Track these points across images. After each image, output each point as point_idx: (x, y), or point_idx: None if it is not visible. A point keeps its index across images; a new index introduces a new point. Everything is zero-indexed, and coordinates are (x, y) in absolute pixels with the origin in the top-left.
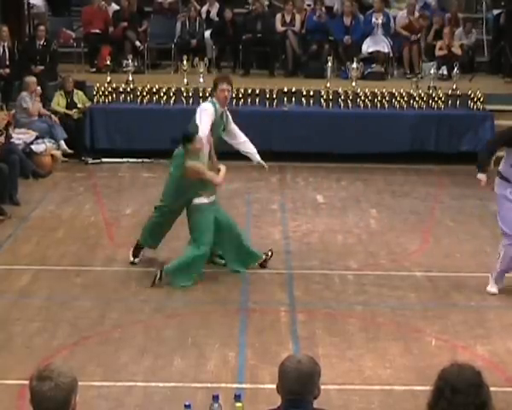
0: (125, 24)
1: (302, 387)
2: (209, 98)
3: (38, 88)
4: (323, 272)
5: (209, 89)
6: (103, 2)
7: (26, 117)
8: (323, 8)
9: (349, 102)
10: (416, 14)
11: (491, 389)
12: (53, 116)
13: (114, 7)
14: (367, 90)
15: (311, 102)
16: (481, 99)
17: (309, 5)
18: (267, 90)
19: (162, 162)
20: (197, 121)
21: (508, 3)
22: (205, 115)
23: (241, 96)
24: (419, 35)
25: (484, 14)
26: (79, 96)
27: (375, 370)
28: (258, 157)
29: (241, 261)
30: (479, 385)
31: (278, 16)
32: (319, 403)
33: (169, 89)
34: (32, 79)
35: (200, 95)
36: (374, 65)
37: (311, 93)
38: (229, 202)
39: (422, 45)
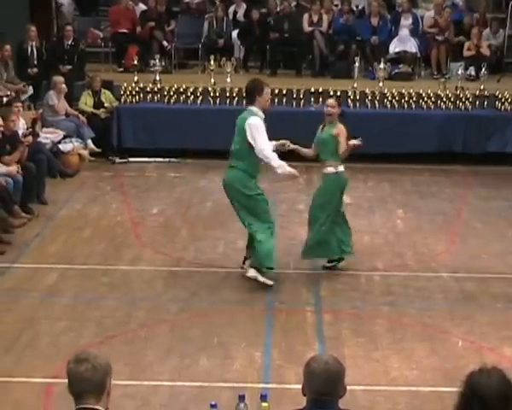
0: (153, 24)
1: (330, 387)
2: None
3: (64, 86)
4: (350, 273)
5: (236, 89)
6: (131, 2)
7: (52, 115)
8: (351, 9)
9: (376, 102)
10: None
11: None
12: (80, 116)
13: (142, 7)
14: (394, 91)
15: None
16: (509, 100)
17: (336, 5)
18: (294, 91)
19: (189, 162)
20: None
21: None
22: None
23: None
24: (446, 34)
25: (509, 14)
26: (107, 96)
27: (402, 371)
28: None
29: None
30: (507, 398)
31: (305, 16)
32: (345, 404)
33: (196, 89)
34: (59, 79)
35: (227, 95)
36: (401, 65)
37: (338, 93)
38: None
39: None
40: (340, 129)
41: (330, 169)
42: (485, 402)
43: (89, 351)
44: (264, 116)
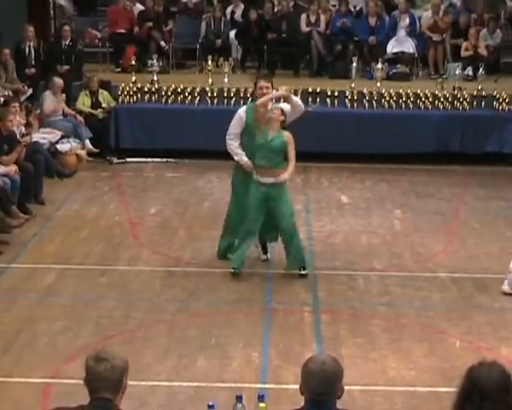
0: (150, 24)
1: (327, 388)
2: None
3: (60, 87)
4: (347, 273)
5: (233, 89)
6: (128, 3)
7: (48, 115)
8: (349, 10)
9: (374, 102)
10: (441, 14)
11: None
12: (78, 116)
13: (139, 7)
14: (392, 91)
15: (336, 102)
16: (507, 100)
17: (334, 5)
18: (292, 91)
19: (186, 162)
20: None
21: None
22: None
23: None
24: (444, 35)
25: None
26: (104, 96)
27: (399, 371)
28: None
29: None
30: (508, 390)
31: (303, 16)
32: (343, 404)
33: (194, 89)
34: (59, 81)
35: (225, 95)
36: (399, 65)
37: (336, 93)
38: None
39: (448, 46)
40: None
41: None
42: (485, 395)
43: (108, 350)
44: None
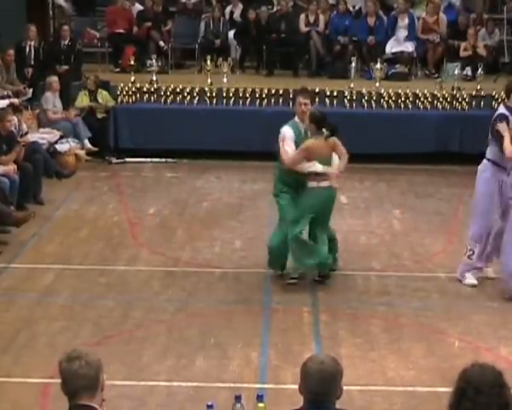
0: (149, 24)
1: (325, 388)
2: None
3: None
4: (346, 273)
5: (232, 89)
6: (127, 2)
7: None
8: (348, 9)
9: (373, 102)
10: (441, 15)
11: None
12: (69, 113)
13: (138, 7)
14: (391, 91)
15: (335, 102)
16: None
17: (333, 5)
18: (291, 91)
19: (185, 162)
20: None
21: None
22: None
23: (264, 96)
24: (442, 35)
25: (505, 15)
26: (103, 96)
27: (398, 371)
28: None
29: None
30: (501, 386)
31: (302, 16)
32: (342, 404)
33: (193, 89)
34: (54, 79)
35: (224, 95)
36: (397, 65)
37: (335, 93)
38: (252, 202)
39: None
40: None
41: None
42: (480, 390)
43: (79, 349)
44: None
